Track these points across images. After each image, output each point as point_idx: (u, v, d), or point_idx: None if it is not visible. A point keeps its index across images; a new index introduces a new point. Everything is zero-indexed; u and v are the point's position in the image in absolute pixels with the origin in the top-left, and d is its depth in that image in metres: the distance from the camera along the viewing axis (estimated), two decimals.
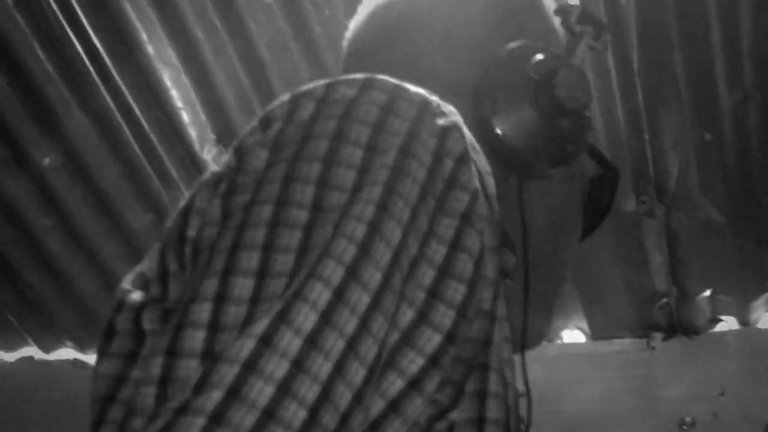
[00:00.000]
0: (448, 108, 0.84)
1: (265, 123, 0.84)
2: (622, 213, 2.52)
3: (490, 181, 0.84)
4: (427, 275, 0.77)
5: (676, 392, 2.75)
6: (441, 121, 0.81)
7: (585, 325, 2.81)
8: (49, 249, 2.91)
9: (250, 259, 0.76)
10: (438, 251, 0.78)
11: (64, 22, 2.40)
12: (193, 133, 2.57)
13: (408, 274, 0.76)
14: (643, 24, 2.20)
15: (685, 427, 2.72)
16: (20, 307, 3.12)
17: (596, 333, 2.83)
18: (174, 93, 2.50)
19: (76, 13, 2.38)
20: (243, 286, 0.75)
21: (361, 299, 0.73)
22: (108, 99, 2.53)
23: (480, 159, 0.84)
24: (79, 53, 2.45)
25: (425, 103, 0.82)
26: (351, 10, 2.26)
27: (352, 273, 0.73)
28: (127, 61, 2.46)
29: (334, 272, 0.73)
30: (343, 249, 0.74)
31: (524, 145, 0.99)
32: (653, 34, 2.22)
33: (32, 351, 3.32)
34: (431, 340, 0.77)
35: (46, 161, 2.68)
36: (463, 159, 0.81)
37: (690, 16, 2.18)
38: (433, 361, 0.77)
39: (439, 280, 0.78)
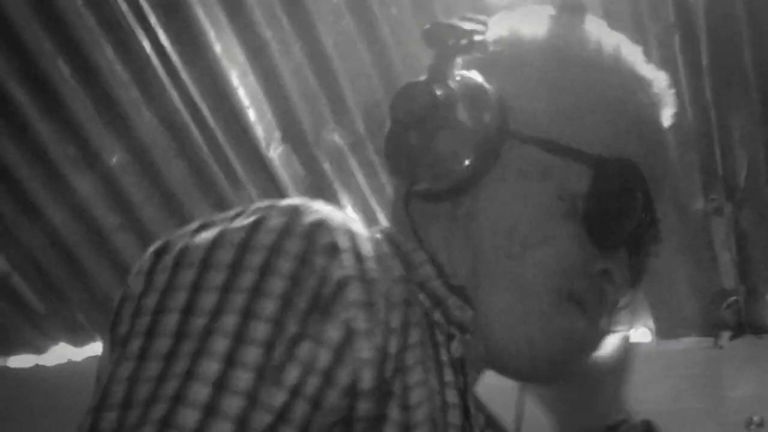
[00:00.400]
0: (320, 207, 0.88)
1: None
2: (690, 211, 2.50)
3: (371, 265, 0.86)
4: (291, 376, 0.79)
5: (743, 391, 2.72)
6: (308, 220, 0.85)
7: (652, 324, 2.80)
8: (117, 247, 2.94)
9: (118, 392, 0.80)
10: (306, 349, 0.80)
11: (133, 22, 2.42)
12: (259, 131, 2.58)
13: (273, 379, 0.79)
14: (712, 22, 2.18)
15: (752, 426, 2.69)
16: (88, 304, 3.15)
17: (663, 332, 2.81)
18: (241, 92, 2.51)
19: (145, 13, 2.40)
20: (110, 420, 0.79)
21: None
22: (176, 98, 2.55)
23: (361, 244, 0.87)
24: (147, 53, 2.47)
25: (293, 210, 0.86)
26: (418, 8, 2.27)
27: (211, 412, 0.76)
28: (195, 60, 2.47)
29: (190, 418, 0.76)
30: (197, 391, 0.77)
31: (404, 166, 1.03)
32: (722, 32, 2.20)
33: (100, 348, 3.34)
34: None
35: (114, 160, 2.71)
36: (330, 251, 0.84)
37: (759, 14, 2.16)
38: None
39: (302, 378, 0.80)
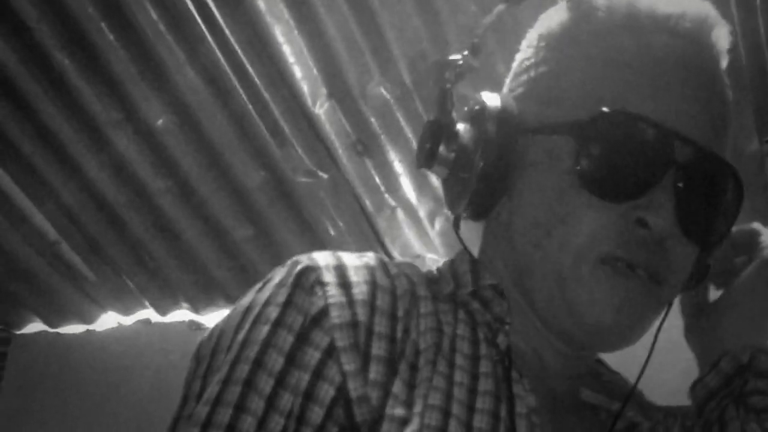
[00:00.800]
0: (318, 254, 1.02)
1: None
2: (744, 154, 2.46)
3: (359, 290, 0.99)
4: (288, 402, 0.93)
5: None
6: (298, 269, 0.99)
7: None
8: (163, 210, 2.94)
9: None
10: (294, 376, 0.94)
11: None
12: (305, 88, 2.57)
13: (266, 411, 0.93)
14: None
15: None
16: (137, 270, 3.16)
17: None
18: (286, 48, 2.50)
19: None
20: None
21: None
22: (220, 56, 2.54)
23: (351, 275, 0.99)
24: (190, 11, 2.46)
25: (291, 263, 1.01)
26: None
27: None
28: (239, 17, 2.46)
29: None
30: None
31: (445, 198, 1.15)
32: None
33: (149, 313, 3.36)
34: None
35: (159, 121, 2.70)
36: (313, 288, 0.97)
37: None
38: None
39: (297, 402, 0.93)
